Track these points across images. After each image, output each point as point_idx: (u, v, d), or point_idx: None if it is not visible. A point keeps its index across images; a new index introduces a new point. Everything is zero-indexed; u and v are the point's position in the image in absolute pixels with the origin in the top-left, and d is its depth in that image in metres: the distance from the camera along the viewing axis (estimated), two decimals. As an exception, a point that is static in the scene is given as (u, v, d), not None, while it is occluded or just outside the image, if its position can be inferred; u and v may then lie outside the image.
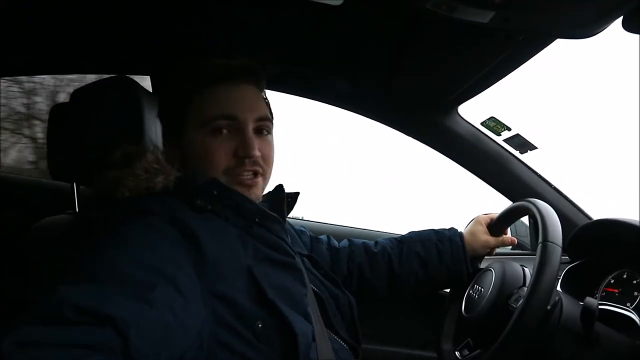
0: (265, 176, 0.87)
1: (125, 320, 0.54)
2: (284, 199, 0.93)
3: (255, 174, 0.84)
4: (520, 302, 0.80)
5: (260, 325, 0.72)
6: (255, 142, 0.82)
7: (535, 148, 1.29)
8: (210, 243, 0.72)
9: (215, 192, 0.79)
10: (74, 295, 0.54)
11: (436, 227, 1.17)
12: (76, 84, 1.53)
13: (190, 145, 0.82)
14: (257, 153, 0.82)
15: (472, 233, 1.14)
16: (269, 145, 0.87)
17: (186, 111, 0.82)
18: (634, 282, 0.99)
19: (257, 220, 0.82)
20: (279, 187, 0.96)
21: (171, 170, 0.80)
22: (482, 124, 1.32)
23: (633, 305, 0.95)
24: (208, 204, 0.78)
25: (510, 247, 1.32)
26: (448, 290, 1.18)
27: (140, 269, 0.62)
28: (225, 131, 0.81)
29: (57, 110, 1.04)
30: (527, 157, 1.36)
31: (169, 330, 0.60)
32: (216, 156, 0.81)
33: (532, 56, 0.93)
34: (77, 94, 1.00)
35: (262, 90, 0.91)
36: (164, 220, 0.71)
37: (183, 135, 0.83)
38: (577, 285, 1.06)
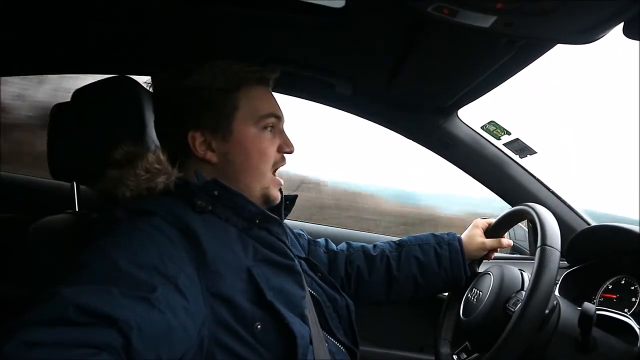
0: None
1: (127, 321, 0.54)
2: (282, 202, 0.94)
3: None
4: (519, 305, 0.80)
5: (259, 327, 0.72)
6: None
7: (535, 152, 1.29)
8: (211, 243, 0.73)
9: (215, 193, 0.79)
10: (77, 296, 0.55)
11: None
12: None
13: (243, 138, 0.85)
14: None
15: (468, 237, 1.15)
16: None
17: (235, 106, 0.85)
18: (632, 288, 1.00)
19: (257, 221, 0.82)
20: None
21: (172, 170, 0.80)
22: (482, 127, 1.33)
23: (631, 311, 0.95)
24: (209, 205, 0.78)
25: (508, 250, 1.32)
26: (446, 293, 1.18)
27: (142, 269, 0.62)
28: (273, 129, 0.89)
29: (57, 110, 1.04)
30: (527, 162, 1.36)
31: (170, 331, 0.60)
32: (269, 150, 0.88)
33: (532, 61, 0.93)
34: (77, 94, 1.00)
35: None
36: (166, 221, 0.72)
37: (233, 128, 0.85)
38: (575, 290, 1.07)
